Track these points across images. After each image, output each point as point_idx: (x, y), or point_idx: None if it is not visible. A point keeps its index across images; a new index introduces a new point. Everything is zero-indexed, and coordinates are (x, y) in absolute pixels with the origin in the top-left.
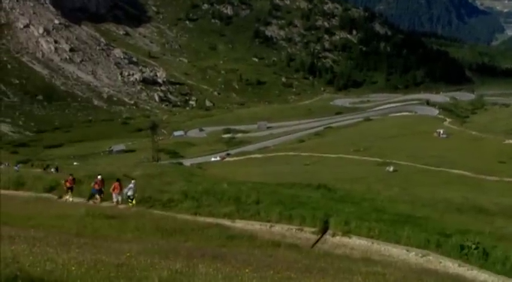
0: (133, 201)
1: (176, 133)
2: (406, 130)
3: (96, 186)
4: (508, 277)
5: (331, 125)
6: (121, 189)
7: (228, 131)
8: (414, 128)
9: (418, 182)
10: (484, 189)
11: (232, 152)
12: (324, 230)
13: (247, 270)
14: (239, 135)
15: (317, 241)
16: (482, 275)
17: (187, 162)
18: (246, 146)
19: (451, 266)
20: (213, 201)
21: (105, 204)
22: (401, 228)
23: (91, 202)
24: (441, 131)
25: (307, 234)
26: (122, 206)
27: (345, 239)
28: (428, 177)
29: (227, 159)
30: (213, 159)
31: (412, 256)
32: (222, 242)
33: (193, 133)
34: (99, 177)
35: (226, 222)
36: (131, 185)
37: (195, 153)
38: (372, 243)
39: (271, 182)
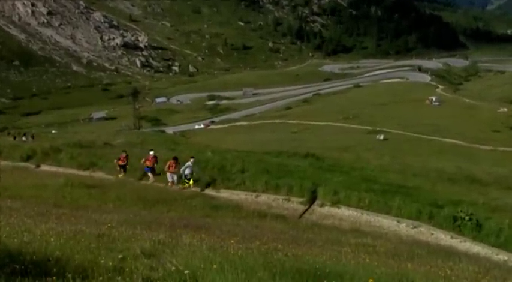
0: (191, 182)
1: (158, 100)
2: (397, 97)
3: (148, 164)
4: (501, 249)
5: (320, 91)
6: (176, 167)
7: (212, 98)
8: (405, 95)
9: (410, 151)
10: (477, 159)
11: (216, 119)
12: (311, 200)
13: (232, 241)
14: (224, 102)
15: (305, 211)
16: (476, 247)
17: (170, 130)
18: (231, 113)
19: (443, 237)
20: (197, 170)
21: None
22: (392, 198)
23: (143, 182)
24: (433, 99)
25: (295, 204)
26: (176, 187)
27: (334, 210)
28: (420, 146)
29: (211, 127)
30: (196, 127)
31: (403, 227)
32: (206, 212)
33: (175, 101)
34: (151, 153)
35: (211, 192)
36: (189, 163)
37: (178, 120)
38: (362, 213)
39: (257, 150)
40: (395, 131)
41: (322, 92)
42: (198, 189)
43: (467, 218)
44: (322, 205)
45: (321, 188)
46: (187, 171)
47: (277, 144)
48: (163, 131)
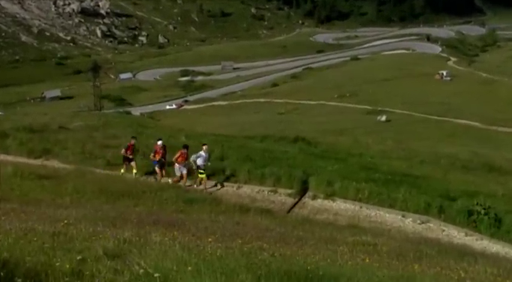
0: (204, 176)
1: (123, 76)
2: (401, 71)
3: (157, 157)
4: None
5: (311, 65)
6: (187, 158)
7: (186, 73)
8: (412, 69)
9: (416, 134)
10: (496, 143)
11: (190, 98)
12: (302, 192)
13: (209, 240)
14: (199, 78)
15: (294, 205)
16: (494, 245)
17: (136, 111)
18: (208, 91)
19: (456, 234)
20: (169, 158)
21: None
22: (396, 189)
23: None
24: (444, 73)
25: (282, 196)
26: (189, 183)
27: (328, 203)
28: (428, 128)
29: (185, 107)
30: (167, 107)
31: (409, 223)
32: (180, 206)
33: (144, 76)
34: (159, 143)
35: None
36: (202, 153)
37: (146, 100)
38: (361, 207)
39: (239, 134)
40: (399, 111)
41: (314, 65)
42: (214, 184)
43: (484, 211)
44: (314, 197)
45: (313, 177)
46: (200, 162)
47: (261, 127)
48: (128, 113)
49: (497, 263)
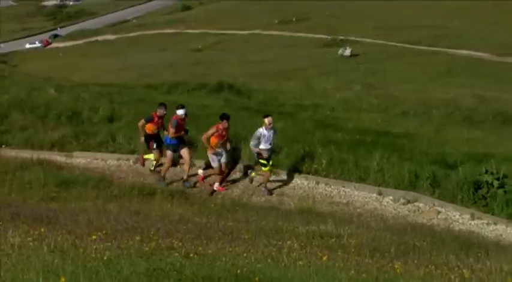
0: (267, 168)
1: None
2: None
3: (182, 132)
4: None
5: None
6: (228, 139)
7: None
8: None
9: (396, 73)
10: None
11: (62, 32)
12: (230, 164)
13: (94, 238)
14: (74, 1)
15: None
16: None
17: None
18: (88, 20)
19: (458, 218)
20: (31, 121)
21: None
22: (368, 155)
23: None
24: None
25: (201, 171)
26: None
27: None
28: (413, 64)
29: (54, 45)
30: (28, 46)
31: (388, 203)
32: (50, 191)
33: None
34: (180, 112)
35: (57, 156)
36: (262, 130)
37: None
38: (317, 183)
39: (135, 82)
40: (370, 40)
41: None
42: (277, 180)
43: (497, 183)
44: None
45: (245, 142)
46: (262, 146)
47: (169, 71)
48: None
49: None
